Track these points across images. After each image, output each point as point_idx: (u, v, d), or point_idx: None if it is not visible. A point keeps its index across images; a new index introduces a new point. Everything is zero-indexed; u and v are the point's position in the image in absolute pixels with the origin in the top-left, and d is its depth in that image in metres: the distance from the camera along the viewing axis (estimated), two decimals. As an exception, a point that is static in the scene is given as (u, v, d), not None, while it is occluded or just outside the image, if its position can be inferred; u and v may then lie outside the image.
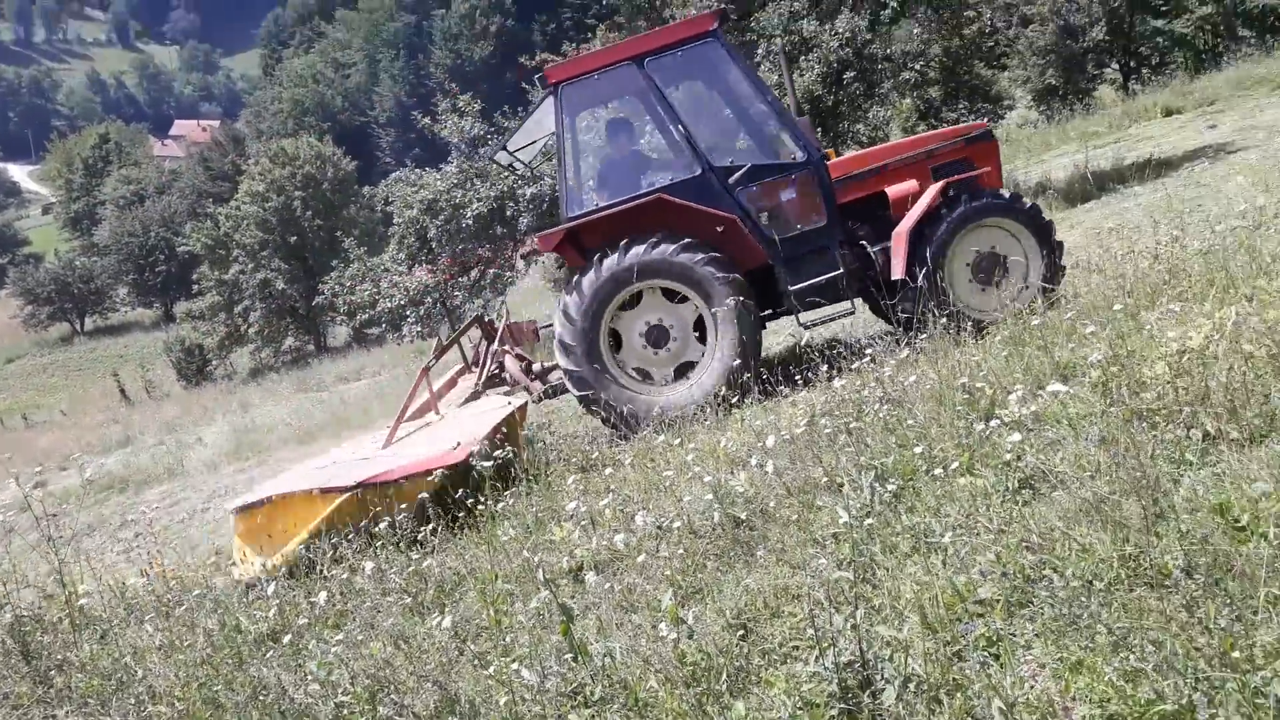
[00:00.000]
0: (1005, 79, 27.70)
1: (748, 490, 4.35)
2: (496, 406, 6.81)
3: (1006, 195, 6.98)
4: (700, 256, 6.71)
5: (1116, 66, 25.94)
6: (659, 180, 7.36)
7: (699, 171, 7.05)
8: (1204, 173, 11.87)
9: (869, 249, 7.16)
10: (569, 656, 3.13)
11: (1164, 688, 2.23)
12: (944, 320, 5.74)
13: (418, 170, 17.31)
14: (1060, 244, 6.97)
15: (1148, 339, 4.43)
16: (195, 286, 39.45)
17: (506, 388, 7.67)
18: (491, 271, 17.18)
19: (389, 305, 16.89)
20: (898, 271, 6.77)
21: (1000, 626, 2.76)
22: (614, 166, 7.90)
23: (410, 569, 4.43)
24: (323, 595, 4.22)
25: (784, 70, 11.91)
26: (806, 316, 7.19)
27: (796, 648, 3.11)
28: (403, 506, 4.99)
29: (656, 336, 6.99)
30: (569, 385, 7.01)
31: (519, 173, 14.69)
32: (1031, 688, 2.44)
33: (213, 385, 31.57)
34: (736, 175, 7.07)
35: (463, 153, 16.42)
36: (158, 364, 36.46)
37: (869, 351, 5.82)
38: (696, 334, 7.04)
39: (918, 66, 24.83)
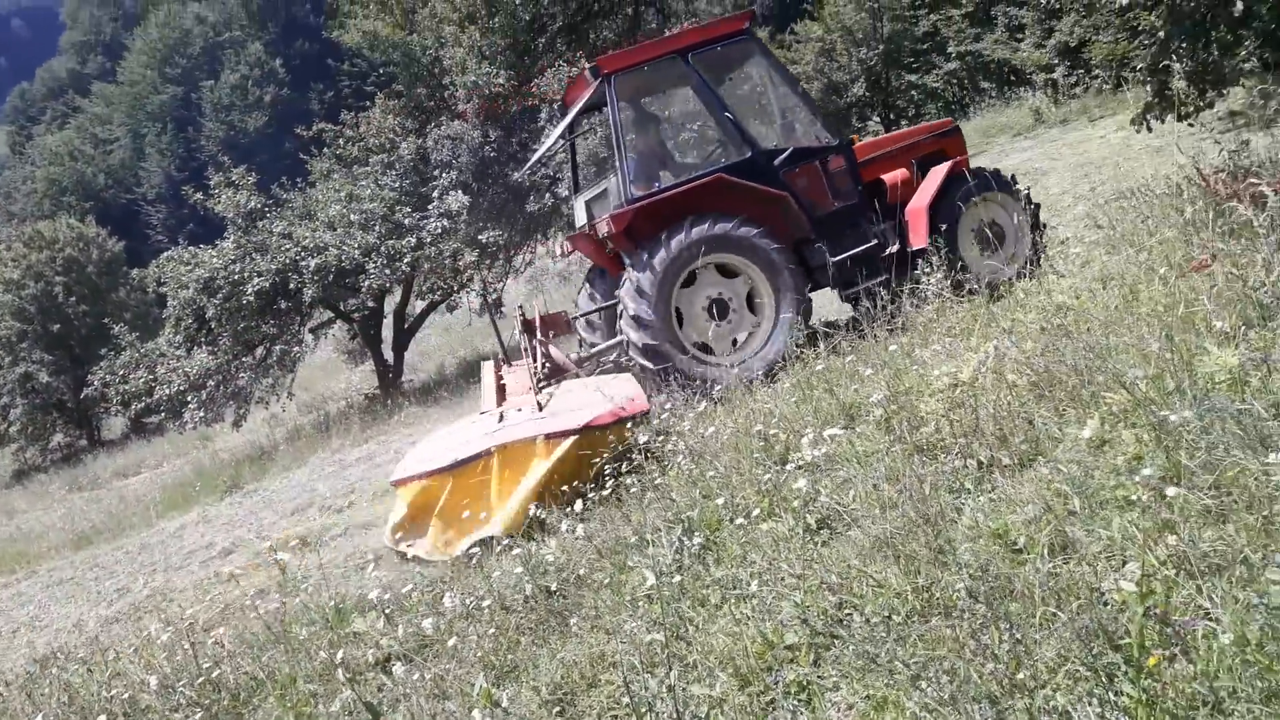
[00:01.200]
0: (778, 134, 29.16)
1: (559, 558, 4.29)
2: (610, 380, 6.75)
3: (1009, 177, 7.86)
4: (776, 244, 7.23)
5: (878, 119, 27.77)
6: (689, 167, 7.89)
7: (748, 154, 7.50)
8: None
9: (877, 227, 7.75)
10: (379, 757, 2.97)
11: (960, 717, 2.32)
12: (959, 279, 6.41)
13: (192, 248, 16.38)
14: (1044, 225, 7.84)
15: (922, 376, 4.70)
16: (-58, 386, 35.86)
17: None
18: (278, 348, 16.45)
19: (168, 392, 15.75)
20: (920, 241, 7.40)
21: (808, 671, 2.82)
22: (657, 154, 8.36)
23: (201, 679, 4.11)
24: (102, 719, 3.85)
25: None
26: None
27: (616, 717, 3.07)
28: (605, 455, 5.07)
29: (719, 309, 7.34)
30: (633, 333, 7.03)
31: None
32: (842, 730, 2.49)
33: (-31, 493, 28.68)
34: (781, 157, 7.54)
35: (239, 227, 15.73)
36: (-100, 475, 32.83)
37: (668, 406, 5.93)
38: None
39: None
